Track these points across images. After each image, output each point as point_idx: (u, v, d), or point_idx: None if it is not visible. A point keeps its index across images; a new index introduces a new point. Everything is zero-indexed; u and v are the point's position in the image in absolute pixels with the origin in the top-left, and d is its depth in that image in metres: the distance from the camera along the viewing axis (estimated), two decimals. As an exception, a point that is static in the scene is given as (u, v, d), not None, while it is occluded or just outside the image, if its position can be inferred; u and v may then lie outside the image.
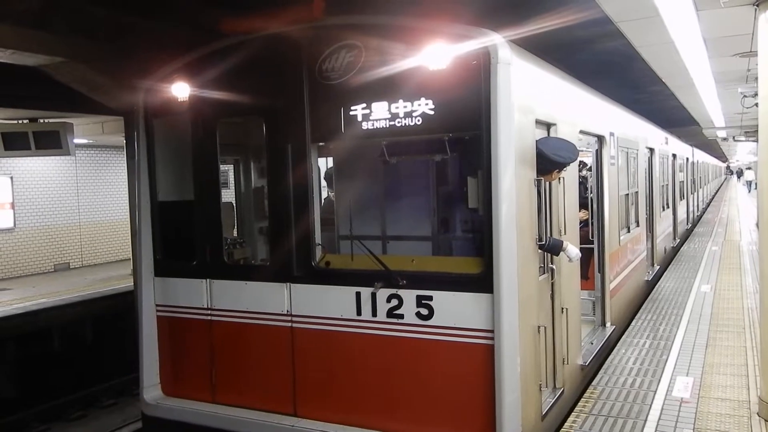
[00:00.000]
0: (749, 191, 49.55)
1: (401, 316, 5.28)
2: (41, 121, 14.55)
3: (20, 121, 14.46)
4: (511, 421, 4.84)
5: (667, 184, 15.01)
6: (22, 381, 12.85)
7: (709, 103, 15.92)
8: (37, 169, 18.13)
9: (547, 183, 5.77)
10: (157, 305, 6.62)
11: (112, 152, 20.36)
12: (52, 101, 12.43)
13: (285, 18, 5.72)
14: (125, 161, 16.29)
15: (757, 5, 5.70)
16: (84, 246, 19.72)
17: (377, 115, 5.33)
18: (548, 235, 5.72)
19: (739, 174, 65.64)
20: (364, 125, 5.39)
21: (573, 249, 5.94)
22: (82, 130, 16.47)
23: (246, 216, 7.97)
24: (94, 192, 20.02)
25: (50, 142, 14.29)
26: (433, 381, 5.20)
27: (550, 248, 5.72)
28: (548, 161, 5.53)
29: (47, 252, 18.59)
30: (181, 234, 6.50)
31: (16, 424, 11.56)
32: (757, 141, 6.85)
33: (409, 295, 5.25)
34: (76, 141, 15.87)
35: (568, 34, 9.32)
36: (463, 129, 5.18)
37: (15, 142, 14.17)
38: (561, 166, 5.71)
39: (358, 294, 5.45)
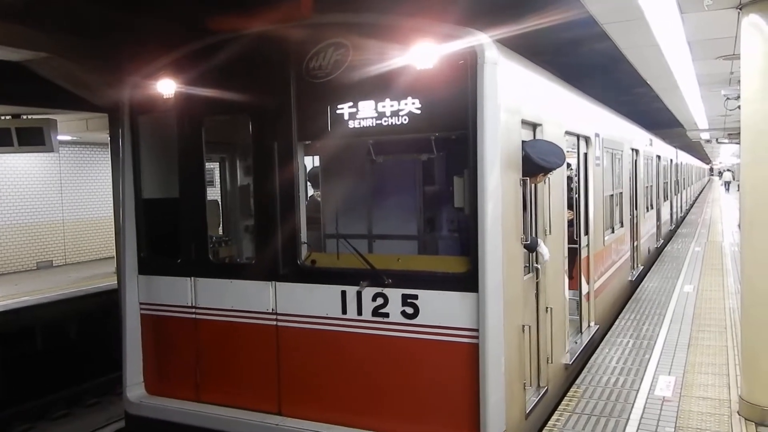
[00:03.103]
0: (727, 190, 53.61)
1: (387, 315, 5.29)
2: (24, 117, 14.39)
3: (3, 117, 14.29)
4: (495, 419, 4.86)
5: (651, 185, 15.14)
6: (4, 380, 12.72)
7: (693, 106, 16.06)
8: (19, 165, 17.93)
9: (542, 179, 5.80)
10: (141, 303, 6.57)
11: (97, 149, 20.18)
12: (35, 97, 12.30)
13: (273, 16, 5.70)
14: (110, 158, 16.15)
15: (740, 8, 5.76)
16: (67, 243, 19.53)
17: (364, 114, 5.32)
18: (532, 234, 5.74)
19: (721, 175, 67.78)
20: (351, 124, 5.39)
21: (544, 249, 5.95)
22: (66, 126, 16.29)
23: (231, 214, 7.93)
24: (78, 189, 19.83)
25: (33, 138, 14.14)
26: (418, 380, 5.21)
27: (528, 246, 5.76)
28: (534, 165, 5.54)
29: (30, 249, 18.39)
30: (165, 232, 6.46)
31: (-2, 423, 11.47)
32: (739, 143, 6.92)
33: (394, 294, 5.25)
34: (60, 138, 15.68)
35: (554, 36, 9.38)
36: (450, 128, 5.19)
37: (-3, 138, 14.01)
38: (546, 170, 5.72)
39: (343, 293, 5.45)
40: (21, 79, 10.34)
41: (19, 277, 17.02)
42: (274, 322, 5.79)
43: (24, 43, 8.63)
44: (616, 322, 9.25)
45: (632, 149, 11.91)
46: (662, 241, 17.61)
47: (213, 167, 10.84)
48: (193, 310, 6.25)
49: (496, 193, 4.89)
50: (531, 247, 5.74)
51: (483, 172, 4.84)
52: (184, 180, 6.34)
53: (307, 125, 5.62)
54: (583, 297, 7.80)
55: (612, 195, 9.91)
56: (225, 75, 5.93)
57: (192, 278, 6.24)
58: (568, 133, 7.18)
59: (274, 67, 5.70)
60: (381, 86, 5.21)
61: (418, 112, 5.12)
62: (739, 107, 7.02)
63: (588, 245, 8.17)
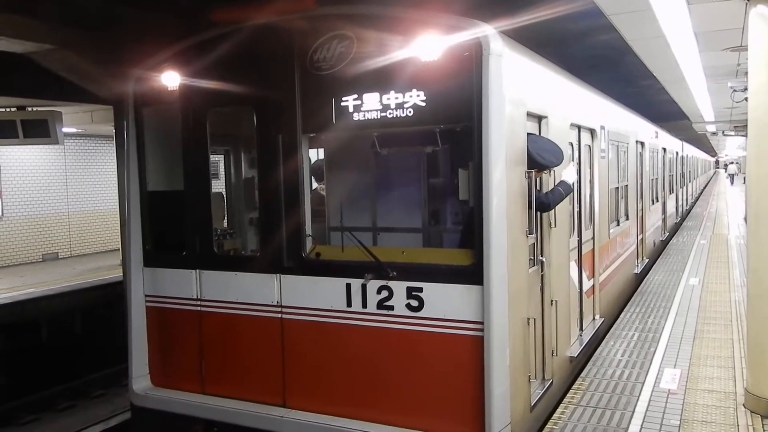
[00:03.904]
0: (732, 183, 55.50)
1: (391, 308, 5.29)
2: (29, 109, 14.42)
3: (8, 109, 14.32)
4: (500, 412, 4.86)
5: (656, 178, 15.09)
6: (9, 372, 12.79)
7: (699, 98, 15.99)
8: (25, 157, 17.98)
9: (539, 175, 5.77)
10: (146, 296, 6.59)
11: (102, 141, 20.21)
12: (40, 89, 12.31)
13: (276, 8, 5.68)
14: (114, 150, 16.18)
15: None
16: (73, 236, 19.60)
17: (369, 106, 5.31)
18: (536, 193, 5.63)
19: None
20: (356, 116, 5.37)
21: (567, 174, 5.98)
22: (71, 118, 16.33)
23: (236, 207, 7.94)
24: (83, 181, 19.88)
25: (39, 130, 14.16)
26: (422, 372, 5.21)
27: (544, 205, 5.71)
28: (531, 160, 5.51)
29: (35, 241, 18.47)
30: (170, 224, 6.47)
31: (5, 414, 11.52)
32: (746, 135, 6.88)
33: (399, 287, 5.25)
34: (65, 130, 15.74)
35: (560, 28, 9.32)
36: (455, 121, 5.17)
37: (3, 131, 14.03)
38: (541, 167, 5.66)
39: (348, 285, 5.45)
40: (26, 71, 10.35)
41: (25, 269, 17.09)
42: (279, 315, 5.80)
43: (28, 34, 8.64)
44: (622, 315, 9.24)
45: (638, 142, 11.85)
46: (668, 233, 17.56)
47: (217, 160, 10.86)
48: (198, 303, 6.26)
49: (501, 185, 4.88)
50: (546, 205, 5.70)
51: (488, 165, 4.82)
52: (188, 172, 6.34)
53: (312, 118, 5.61)
54: (584, 293, 7.77)
55: (617, 188, 9.87)
56: (229, 67, 5.92)
57: (197, 271, 6.25)
58: (573, 125, 7.15)
59: (278, 59, 5.68)
60: (385, 78, 5.19)
61: (423, 104, 5.11)
62: (745, 99, 6.99)
63: (593, 238, 8.15)
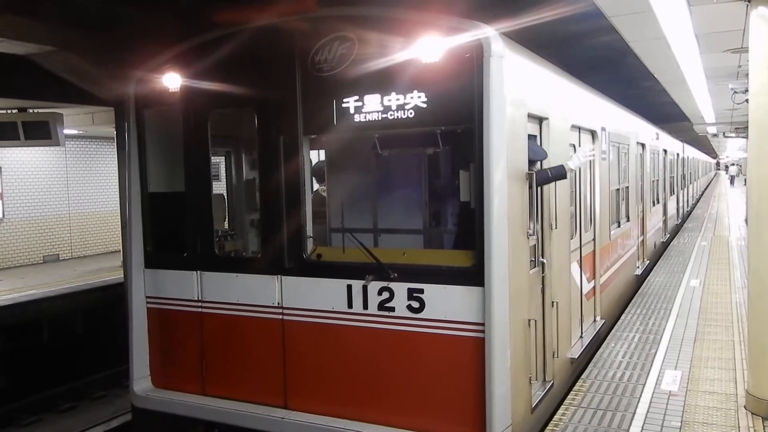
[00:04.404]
0: (732, 184, 56.99)
1: (392, 309, 5.29)
2: (30, 110, 14.43)
3: (9, 111, 14.33)
4: (500, 413, 4.86)
5: (657, 180, 15.08)
6: (11, 373, 12.79)
7: (700, 99, 15.99)
8: (26, 159, 17.98)
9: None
10: (147, 297, 6.59)
11: (103, 143, 20.22)
12: (41, 91, 12.32)
13: (278, 9, 5.69)
14: (116, 152, 16.18)
15: (749, 1, 5.71)
16: (74, 237, 19.60)
17: (370, 107, 5.32)
18: (540, 169, 5.56)
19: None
20: (357, 118, 5.38)
21: (572, 160, 5.99)
22: (72, 120, 16.35)
23: (237, 208, 7.94)
24: (84, 183, 19.88)
25: (40, 132, 14.17)
26: (423, 374, 5.21)
27: (541, 180, 5.65)
28: None
29: (36, 243, 18.47)
30: (171, 226, 6.47)
31: (6, 415, 11.52)
32: (746, 137, 6.88)
33: (400, 288, 5.25)
34: (66, 131, 15.74)
35: (561, 29, 9.33)
36: (456, 122, 5.18)
37: (4, 132, 14.03)
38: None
39: (349, 287, 5.45)
40: (27, 72, 10.37)
41: (26, 270, 17.09)
42: (280, 316, 5.80)
43: (28, 35, 8.65)
44: (623, 317, 9.23)
45: (638, 143, 11.86)
46: (668, 235, 17.55)
47: (219, 161, 10.87)
48: (199, 304, 6.27)
49: (501, 187, 4.88)
50: (544, 180, 5.65)
51: (489, 166, 4.83)
52: (189, 174, 6.34)
53: (313, 119, 5.61)
54: (585, 294, 7.76)
55: (618, 189, 9.87)
56: (230, 69, 5.93)
57: (198, 272, 6.26)
58: (574, 126, 7.15)
59: (279, 60, 5.68)
60: (386, 80, 5.20)
61: (424, 105, 5.11)
62: (746, 101, 6.99)
63: (594, 240, 8.15)
